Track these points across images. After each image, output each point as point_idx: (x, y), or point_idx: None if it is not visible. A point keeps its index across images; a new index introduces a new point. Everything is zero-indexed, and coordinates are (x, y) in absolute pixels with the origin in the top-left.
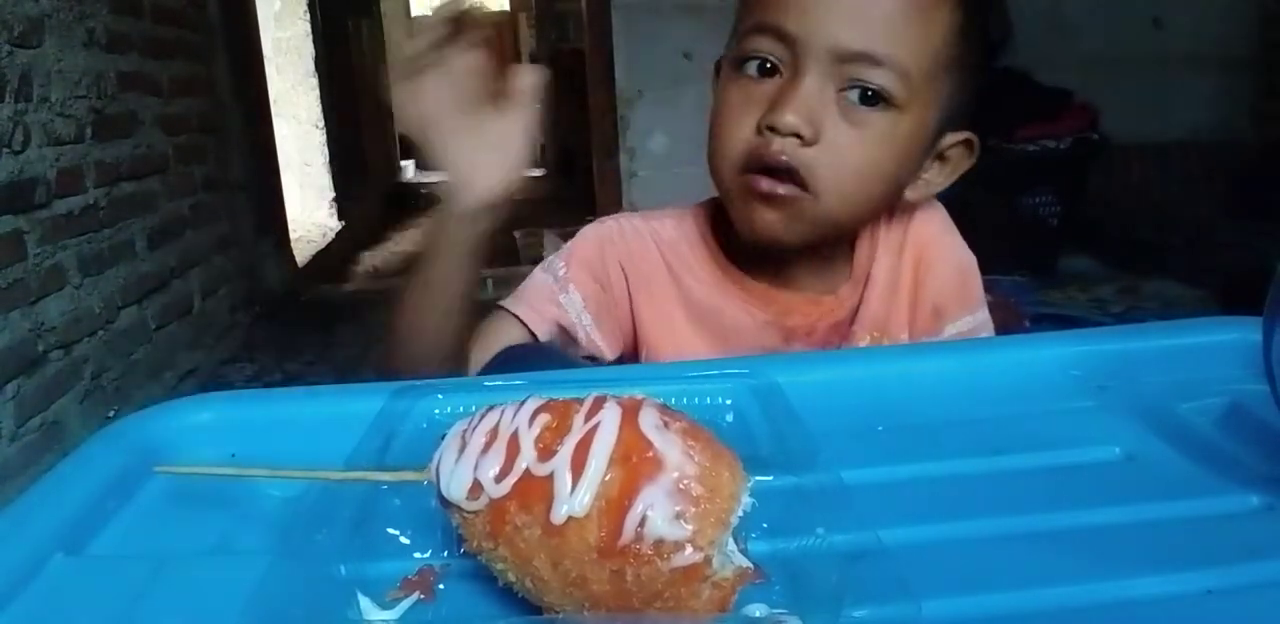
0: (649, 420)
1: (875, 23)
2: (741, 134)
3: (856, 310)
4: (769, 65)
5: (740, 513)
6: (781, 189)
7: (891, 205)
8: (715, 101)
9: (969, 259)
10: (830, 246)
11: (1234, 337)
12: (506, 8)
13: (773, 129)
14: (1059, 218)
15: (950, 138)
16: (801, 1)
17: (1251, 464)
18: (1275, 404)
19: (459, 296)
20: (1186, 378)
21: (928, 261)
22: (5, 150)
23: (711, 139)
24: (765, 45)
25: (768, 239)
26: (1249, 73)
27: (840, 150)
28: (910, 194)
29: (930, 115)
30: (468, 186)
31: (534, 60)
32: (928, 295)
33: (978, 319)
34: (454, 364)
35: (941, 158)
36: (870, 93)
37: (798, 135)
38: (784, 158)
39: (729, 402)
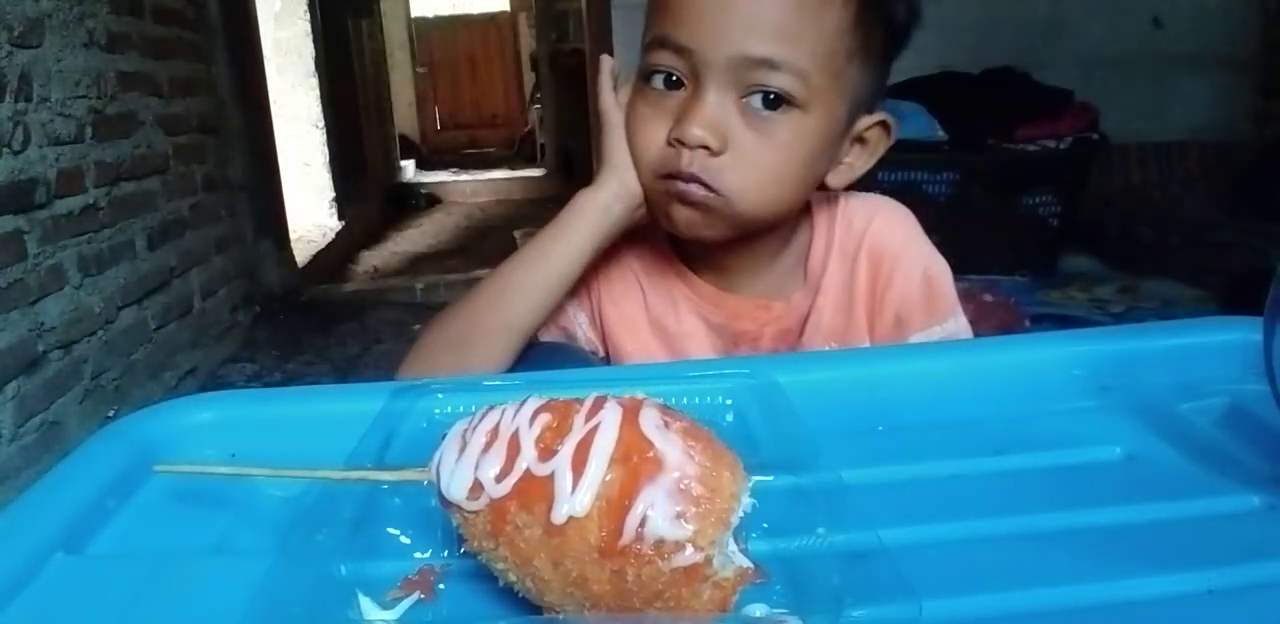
0: (649, 420)
1: (767, 28)
2: (654, 145)
3: (807, 318)
4: (674, 78)
5: (741, 513)
6: (693, 191)
7: (810, 196)
8: (626, 114)
9: (938, 267)
10: (768, 247)
11: (1234, 336)
12: (506, 8)
13: (681, 142)
14: (1059, 218)
15: (865, 121)
16: (694, 13)
17: (1252, 464)
18: (1275, 404)
19: (569, 267)
20: (1187, 378)
21: (886, 270)
22: (5, 150)
23: (630, 150)
24: (665, 59)
25: (691, 236)
26: (1249, 73)
27: (749, 156)
28: (832, 180)
29: (838, 107)
30: (620, 173)
31: (534, 60)
32: (888, 305)
33: (948, 329)
34: (515, 338)
35: (860, 141)
36: (772, 96)
37: (705, 147)
38: (693, 170)
39: (729, 402)
